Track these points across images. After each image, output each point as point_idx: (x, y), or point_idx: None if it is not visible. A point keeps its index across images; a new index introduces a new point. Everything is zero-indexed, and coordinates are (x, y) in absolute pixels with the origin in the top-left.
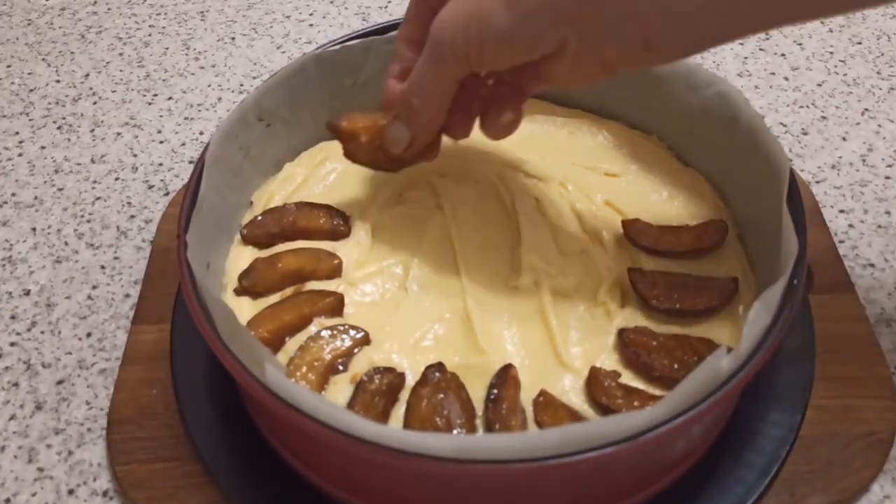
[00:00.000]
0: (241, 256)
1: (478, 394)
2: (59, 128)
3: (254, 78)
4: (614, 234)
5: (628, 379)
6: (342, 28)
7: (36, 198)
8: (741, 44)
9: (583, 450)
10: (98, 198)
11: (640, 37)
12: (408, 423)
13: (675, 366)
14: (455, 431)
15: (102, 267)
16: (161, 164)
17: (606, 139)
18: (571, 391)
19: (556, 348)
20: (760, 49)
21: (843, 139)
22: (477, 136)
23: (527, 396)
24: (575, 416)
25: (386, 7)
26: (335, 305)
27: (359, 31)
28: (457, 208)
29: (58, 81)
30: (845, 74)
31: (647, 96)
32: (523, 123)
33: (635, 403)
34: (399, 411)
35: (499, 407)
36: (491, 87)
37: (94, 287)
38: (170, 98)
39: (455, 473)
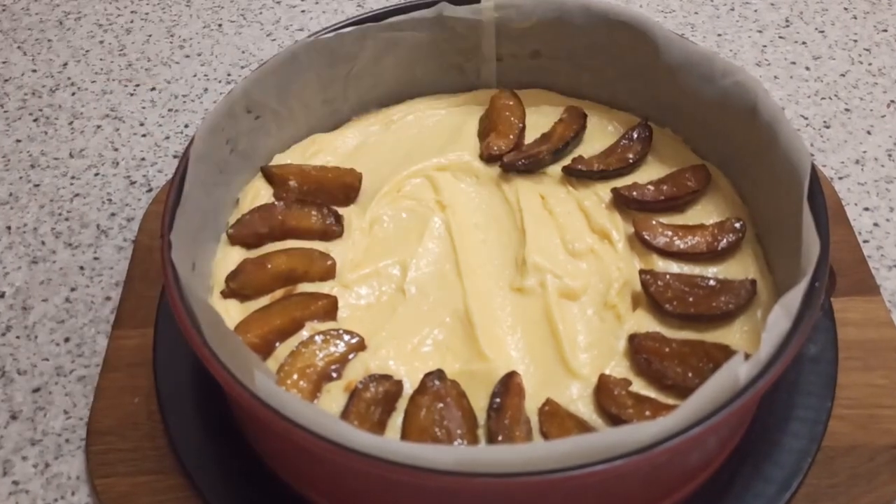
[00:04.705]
0: (229, 257)
1: (480, 402)
2: (35, 120)
3: (242, 67)
4: (625, 234)
5: (639, 387)
6: (336, 14)
7: (11, 194)
8: (760, 31)
9: (591, 462)
10: (77, 194)
11: None
12: (405, 434)
13: (690, 373)
14: (456, 443)
15: (81, 268)
16: (144, 159)
17: (617, 130)
18: (579, 400)
19: (563, 354)
20: (780, 37)
21: (868, 133)
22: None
23: (532, 405)
24: (583, 427)
25: None
26: (328, 309)
27: (354, 18)
28: (458, 205)
29: (34, 71)
30: (870, 64)
31: (659, 87)
32: (529, 114)
33: (647, 413)
34: (396, 421)
35: (502, 417)
36: None
37: (73, 289)
38: (153, 89)
39: (456, 487)
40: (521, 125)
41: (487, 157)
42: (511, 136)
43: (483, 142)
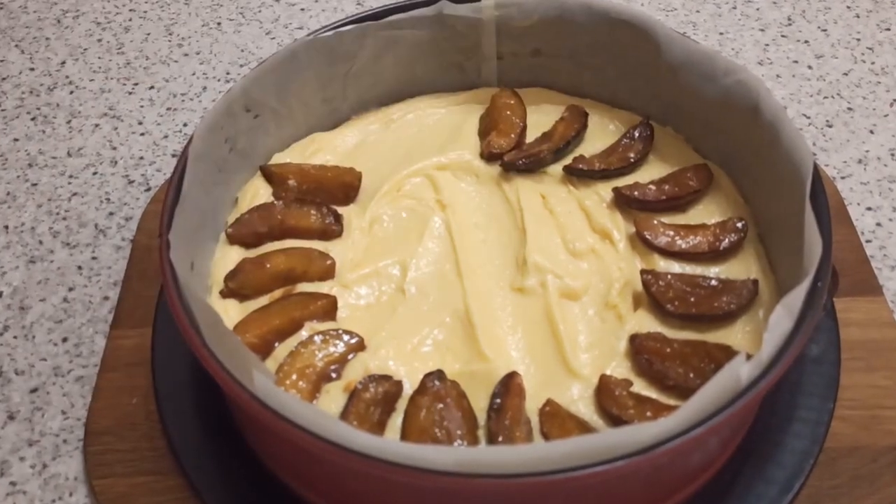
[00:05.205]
0: (228, 256)
1: (480, 403)
2: (33, 119)
3: (241, 66)
4: (626, 233)
5: (641, 388)
6: (335, 13)
7: (8, 193)
8: (762, 30)
9: (592, 463)
10: (75, 193)
11: None
12: (405, 435)
13: (691, 374)
14: (456, 443)
15: (79, 267)
16: (142, 158)
17: (618, 129)
18: (580, 400)
19: (564, 355)
20: (782, 35)
21: (871, 132)
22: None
23: (532, 406)
24: (583, 428)
25: None
26: (328, 308)
27: (353, 16)
28: (458, 205)
29: (32, 69)
30: (873, 63)
31: (660, 86)
32: (529, 113)
33: (648, 414)
34: (396, 422)
35: (502, 417)
36: None
37: (71, 289)
38: (151, 87)
39: (456, 488)
40: (522, 124)
41: (488, 156)
42: (512, 135)
43: (484, 140)
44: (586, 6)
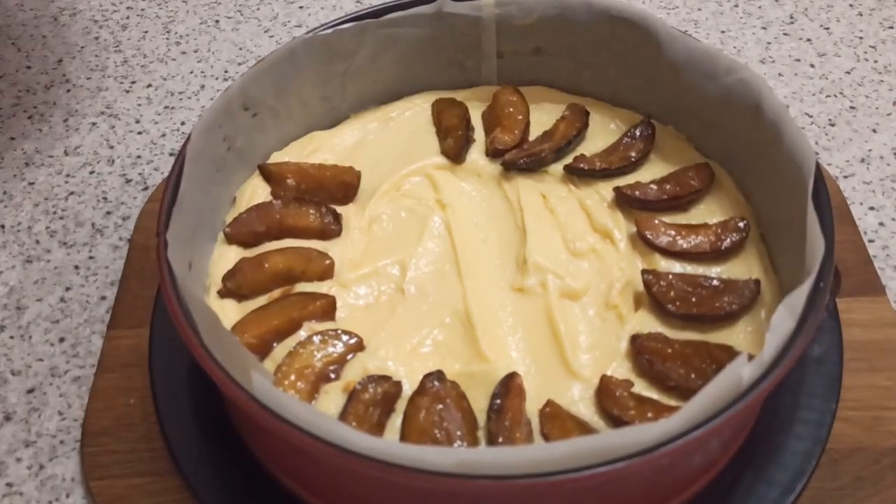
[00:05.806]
0: (226, 256)
1: (480, 404)
2: (29, 117)
3: (239, 64)
4: (627, 233)
5: (642, 388)
6: (334, 10)
7: (5, 192)
8: (764, 28)
9: (592, 464)
10: (72, 193)
11: None
12: (405, 436)
13: (692, 375)
14: (455, 444)
15: (76, 267)
16: (139, 157)
17: (619, 128)
18: (580, 401)
19: (564, 355)
20: (784, 34)
21: (874, 131)
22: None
23: (532, 407)
24: (584, 429)
25: None
26: (326, 309)
27: (352, 14)
28: (458, 205)
29: (28, 67)
30: (876, 61)
31: (662, 84)
32: (530, 111)
33: (649, 415)
34: (395, 423)
35: (502, 418)
36: None
37: (68, 289)
38: (149, 86)
39: (455, 489)
40: (525, 121)
41: (493, 153)
42: (516, 132)
43: (488, 136)
44: (587, 4)
